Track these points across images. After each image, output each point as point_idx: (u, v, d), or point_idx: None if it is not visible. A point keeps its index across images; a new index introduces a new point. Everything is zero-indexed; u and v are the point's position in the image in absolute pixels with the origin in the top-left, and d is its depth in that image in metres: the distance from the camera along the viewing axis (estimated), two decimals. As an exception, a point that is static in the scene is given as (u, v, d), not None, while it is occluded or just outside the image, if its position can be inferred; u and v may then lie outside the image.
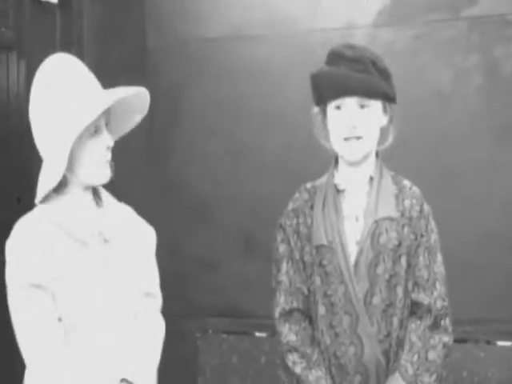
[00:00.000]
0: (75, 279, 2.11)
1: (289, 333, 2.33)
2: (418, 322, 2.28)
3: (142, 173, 4.09)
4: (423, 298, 2.28)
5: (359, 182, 2.33)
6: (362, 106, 2.26)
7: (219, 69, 3.97)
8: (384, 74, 2.28)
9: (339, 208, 2.31)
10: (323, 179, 2.39)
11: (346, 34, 3.75)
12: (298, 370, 2.30)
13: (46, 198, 2.16)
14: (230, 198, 3.93)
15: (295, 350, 2.31)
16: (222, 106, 3.96)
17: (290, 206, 2.40)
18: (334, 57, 2.28)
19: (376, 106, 2.29)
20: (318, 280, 2.30)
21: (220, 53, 3.97)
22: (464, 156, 3.62)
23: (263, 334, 3.87)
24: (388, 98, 2.31)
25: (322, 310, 2.30)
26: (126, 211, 2.35)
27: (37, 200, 2.15)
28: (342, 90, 2.24)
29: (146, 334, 2.27)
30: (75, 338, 2.12)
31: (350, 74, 2.23)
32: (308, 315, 2.34)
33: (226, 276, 3.93)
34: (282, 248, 2.37)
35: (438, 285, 2.29)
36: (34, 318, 2.08)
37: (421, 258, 2.29)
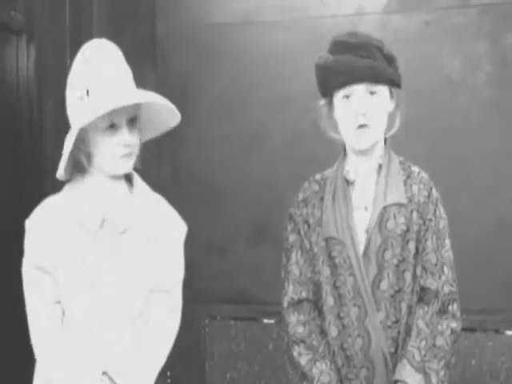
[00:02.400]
0: (80, 268, 2.11)
1: (296, 323, 2.33)
2: (426, 308, 2.27)
3: (152, 160, 4.09)
4: (431, 282, 2.27)
5: (368, 172, 2.33)
6: (371, 93, 2.26)
7: (229, 55, 3.96)
8: (389, 59, 2.28)
9: (349, 199, 2.31)
10: (332, 170, 2.39)
11: (355, 20, 3.74)
12: (303, 361, 2.29)
13: (72, 178, 2.18)
14: (239, 185, 3.93)
15: (302, 341, 2.31)
16: (232, 92, 3.95)
17: (300, 196, 2.40)
18: (339, 45, 2.28)
19: (383, 91, 2.29)
20: (327, 271, 2.30)
21: (230, 39, 3.96)
22: (474, 143, 3.60)
23: (271, 321, 3.87)
24: (394, 84, 2.31)
25: (330, 301, 2.30)
26: (157, 202, 2.31)
27: (57, 175, 2.15)
28: (351, 77, 2.24)
29: (150, 332, 2.21)
30: (74, 327, 2.14)
31: (357, 60, 2.23)
32: (317, 306, 2.34)
33: (234, 262, 3.93)
34: (292, 238, 2.38)
35: (445, 269, 2.29)
36: (32, 299, 2.14)
37: (429, 241, 2.28)
